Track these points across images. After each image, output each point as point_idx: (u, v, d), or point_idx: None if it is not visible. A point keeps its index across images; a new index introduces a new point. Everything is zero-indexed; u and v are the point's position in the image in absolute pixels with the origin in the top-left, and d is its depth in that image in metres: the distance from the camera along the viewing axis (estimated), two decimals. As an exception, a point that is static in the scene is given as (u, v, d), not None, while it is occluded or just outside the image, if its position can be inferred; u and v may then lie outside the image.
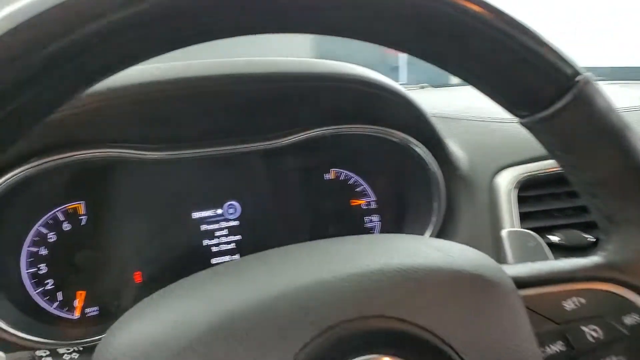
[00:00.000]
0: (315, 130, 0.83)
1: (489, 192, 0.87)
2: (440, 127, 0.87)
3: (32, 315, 0.72)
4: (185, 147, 0.79)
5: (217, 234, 0.86)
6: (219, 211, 0.86)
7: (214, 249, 0.86)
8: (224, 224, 0.86)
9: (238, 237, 0.87)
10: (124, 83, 0.65)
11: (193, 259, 0.84)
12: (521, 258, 0.55)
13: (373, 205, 0.97)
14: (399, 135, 0.84)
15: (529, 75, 0.40)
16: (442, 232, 0.88)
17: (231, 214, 0.87)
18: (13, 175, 0.66)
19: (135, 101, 0.67)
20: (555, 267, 0.44)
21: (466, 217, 0.87)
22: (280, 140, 0.83)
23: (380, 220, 0.97)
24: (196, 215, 0.85)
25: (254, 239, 0.88)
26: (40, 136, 0.66)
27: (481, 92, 0.45)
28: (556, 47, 0.42)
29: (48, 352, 0.54)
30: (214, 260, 0.85)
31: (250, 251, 0.85)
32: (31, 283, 0.75)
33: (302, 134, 0.83)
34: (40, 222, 0.76)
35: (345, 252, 0.42)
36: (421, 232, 0.88)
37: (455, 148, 0.90)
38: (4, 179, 0.65)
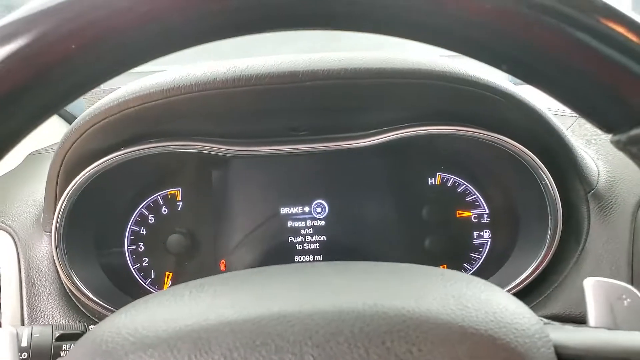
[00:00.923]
0: (407, 130, 0.74)
1: (632, 223, 0.68)
2: (570, 133, 0.70)
3: (124, 290, 0.79)
4: (274, 144, 0.78)
5: (303, 232, 0.83)
6: (307, 209, 0.83)
7: (298, 247, 0.83)
8: (310, 223, 0.83)
9: (322, 238, 0.83)
10: (209, 76, 0.65)
11: (277, 254, 0.83)
12: (607, 320, 0.40)
13: (485, 219, 0.83)
14: (508, 142, 0.70)
15: (620, 71, 0.29)
16: (557, 264, 0.71)
17: (319, 213, 0.83)
18: (114, 157, 0.71)
19: (223, 95, 0.66)
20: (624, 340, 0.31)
21: (595, 251, 0.69)
22: (371, 139, 0.76)
23: (491, 237, 0.83)
24: (284, 210, 0.83)
25: (339, 242, 0.83)
26: (135, 126, 0.71)
27: (553, 96, 0.34)
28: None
29: None
30: (296, 258, 0.83)
31: (333, 253, 0.82)
32: (131, 259, 0.83)
33: (395, 133, 0.75)
34: (143, 204, 0.83)
35: (346, 280, 0.37)
36: (530, 260, 0.72)
37: (590, 159, 0.72)
38: (108, 158, 0.71)
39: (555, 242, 0.70)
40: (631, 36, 0.29)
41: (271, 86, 0.61)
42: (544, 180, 0.69)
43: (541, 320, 0.42)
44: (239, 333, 0.33)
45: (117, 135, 0.69)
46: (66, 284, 0.71)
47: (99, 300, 0.72)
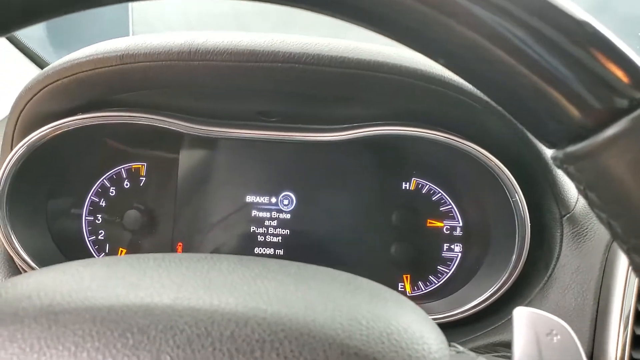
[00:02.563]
0: (377, 128, 0.69)
1: (605, 254, 0.63)
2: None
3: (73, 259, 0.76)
4: (242, 127, 0.74)
5: (267, 223, 0.80)
6: (274, 200, 0.79)
7: (260, 238, 0.80)
8: (275, 214, 0.80)
9: (286, 232, 0.80)
10: (165, 47, 0.61)
11: (237, 243, 0.80)
12: (532, 356, 0.35)
13: (458, 232, 0.79)
14: (480, 152, 0.65)
15: (558, 84, 0.26)
16: (522, 288, 0.67)
17: (285, 205, 0.80)
18: (67, 122, 0.68)
19: (178, 68, 0.63)
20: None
21: (562, 279, 0.64)
22: (341, 133, 0.72)
23: (462, 252, 0.78)
24: (250, 199, 0.80)
25: (303, 238, 0.79)
26: (90, 90, 0.67)
27: (497, 103, 0.30)
28: (612, 42, 0.26)
29: None
30: (257, 250, 0.80)
31: (295, 249, 0.79)
32: (87, 230, 0.80)
33: (365, 130, 0.70)
34: (105, 176, 0.80)
35: (241, 278, 0.34)
36: (494, 280, 0.68)
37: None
38: (61, 122, 0.68)
39: (520, 265, 0.65)
40: (572, 49, 0.25)
41: (228, 63, 0.57)
42: (514, 197, 0.64)
43: (454, 348, 0.38)
44: (99, 321, 0.30)
45: (72, 99, 0.66)
46: (5, 246, 0.68)
47: (39, 267, 0.69)
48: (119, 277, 0.34)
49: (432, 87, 0.59)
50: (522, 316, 0.37)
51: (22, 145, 0.66)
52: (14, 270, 0.71)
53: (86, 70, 0.60)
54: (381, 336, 0.30)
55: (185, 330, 0.29)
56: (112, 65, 0.59)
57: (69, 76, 0.61)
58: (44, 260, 0.70)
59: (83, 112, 0.68)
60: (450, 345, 0.36)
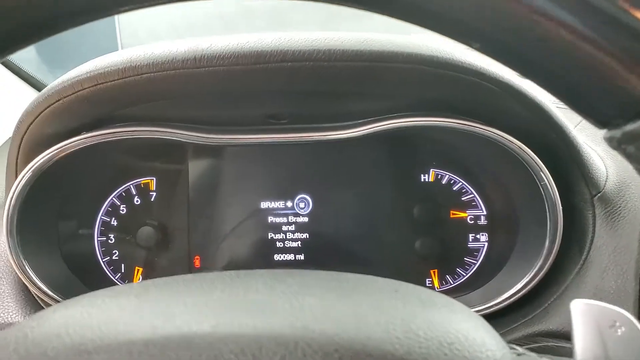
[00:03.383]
0: (395, 120, 0.67)
1: (643, 229, 0.60)
2: (578, 130, 0.63)
3: (90, 285, 0.74)
4: (252, 132, 0.72)
5: (284, 228, 0.77)
6: (289, 204, 0.77)
7: (279, 244, 0.77)
8: (292, 219, 0.77)
9: (305, 235, 0.77)
10: (168, 56, 0.58)
11: (255, 251, 0.77)
12: (596, 351, 0.33)
13: (482, 221, 0.76)
14: (505, 138, 0.63)
15: (623, 57, 0.24)
16: (557, 274, 0.64)
17: (302, 208, 0.77)
18: (72, 142, 0.65)
19: (184, 76, 0.60)
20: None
21: (599, 262, 0.61)
22: (357, 129, 0.70)
23: (488, 241, 0.76)
24: (265, 205, 0.77)
25: (323, 240, 0.77)
26: (93, 108, 0.65)
27: (541, 85, 0.28)
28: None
29: None
30: (276, 256, 0.77)
31: (316, 252, 0.76)
32: (100, 251, 0.78)
33: (382, 123, 0.68)
34: (115, 193, 0.78)
35: (279, 294, 0.31)
36: (528, 268, 0.65)
37: (599, 159, 0.64)
38: (66, 143, 0.65)
39: (555, 250, 0.63)
40: (633, 18, 0.23)
41: (236, 67, 0.54)
42: (543, 180, 0.62)
43: (514, 350, 0.35)
44: (136, 356, 0.27)
45: (75, 118, 0.63)
46: (19, 276, 0.66)
47: (55, 294, 0.67)
48: (151, 306, 0.31)
49: (449, 73, 0.56)
50: (581, 309, 0.35)
51: (28, 171, 0.64)
52: (29, 298, 0.69)
53: (88, 87, 0.57)
54: (442, 347, 0.28)
55: None
56: (114, 80, 0.56)
57: (70, 95, 0.58)
58: (59, 286, 0.67)
59: (87, 131, 0.66)
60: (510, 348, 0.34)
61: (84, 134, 0.65)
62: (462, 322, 0.30)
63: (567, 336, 0.64)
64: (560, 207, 0.62)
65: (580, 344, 0.34)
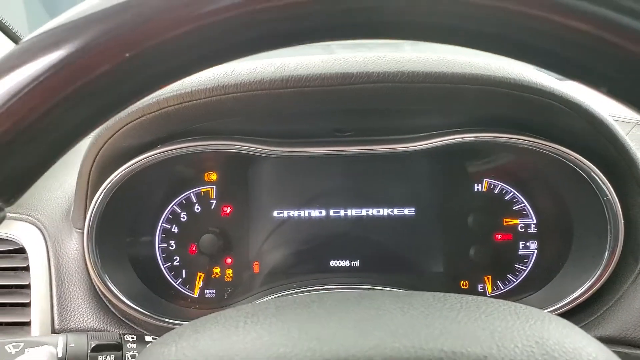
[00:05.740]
0: (460, 135, 0.69)
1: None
2: (633, 143, 0.65)
3: (154, 290, 0.76)
4: (318, 145, 0.74)
5: (342, 236, 0.80)
6: (349, 212, 0.79)
7: (336, 251, 0.80)
8: (350, 226, 0.79)
9: (362, 243, 0.80)
10: (256, 76, 0.60)
11: (313, 258, 0.80)
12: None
13: (532, 229, 0.79)
14: (568, 154, 0.65)
15: None
16: (612, 283, 0.67)
17: (359, 217, 0.79)
18: (149, 156, 0.68)
19: (270, 96, 0.62)
20: None
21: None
22: (420, 143, 0.72)
23: (537, 249, 0.79)
24: (323, 213, 0.79)
25: (379, 248, 0.80)
26: (172, 124, 0.67)
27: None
28: None
29: (135, 338, 0.56)
30: (332, 263, 0.80)
31: (372, 260, 0.79)
32: (162, 257, 0.80)
33: (446, 138, 0.70)
34: (175, 202, 0.80)
35: (413, 318, 0.34)
36: (584, 277, 0.68)
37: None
38: (142, 158, 0.68)
39: (615, 261, 0.66)
40: None
41: (322, 88, 0.56)
42: (607, 195, 0.65)
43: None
44: None
45: (153, 133, 0.65)
46: (98, 287, 0.68)
47: (132, 303, 0.69)
48: (297, 327, 0.33)
49: (524, 94, 0.59)
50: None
51: (106, 187, 0.65)
52: (101, 305, 0.71)
53: (174, 105, 0.59)
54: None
55: None
56: (201, 99, 0.58)
57: (154, 112, 0.60)
58: (132, 295, 0.69)
59: (161, 144, 0.67)
60: None
61: (159, 147, 0.67)
62: (586, 344, 0.33)
63: (622, 342, 0.68)
64: (622, 221, 0.65)
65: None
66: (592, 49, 0.25)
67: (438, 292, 0.39)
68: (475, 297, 0.38)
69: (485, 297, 0.38)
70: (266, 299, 0.74)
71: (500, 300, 0.38)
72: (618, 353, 0.67)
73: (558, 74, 0.29)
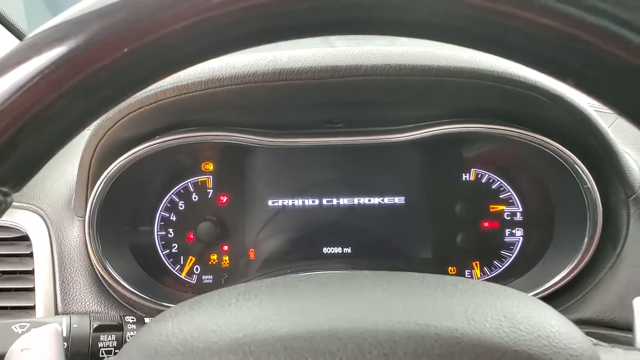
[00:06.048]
0: (446, 126, 0.72)
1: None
2: (615, 134, 0.68)
3: (154, 276, 0.79)
4: (310, 136, 0.76)
5: (334, 223, 0.83)
6: (341, 201, 0.82)
7: (328, 238, 0.83)
8: (341, 215, 0.82)
9: (353, 230, 0.83)
10: (250, 69, 0.63)
11: (307, 245, 0.83)
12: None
13: (518, 217, 0.82)
14: (550, 144, 0.68)
15: None
16: (591, 268, 0.70)
17: (350, 205, 0.82)
18: (147, 147, 0.71)
19: (263, 88, 0.64)
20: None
21: (632, 257, 0.68)
22: (408, 134, 0.75)
23: (523, 236, 0.82)
24: (316, 202, 0.82)
25: (370, 235, 0.83)
26: (169, 116, 0.69)
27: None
28: None
29: (135, 319, 0.59)
30: (325, 249, 0.83)
31: (363, 246, 0.82)
32: (160, 244, 0.83)
33: (433, 129, 0.73)
34: (173, 190, 0.82)
35: (394, 295, 0.37)
36: (565, 262, 0.71)
37: (632, 161, 0.70)
38: (141, 148, 0.70)
39: (593, 247, 0.69)
40: None
41: (313, 81, 0.59)
42: (586, 184, 0.68)
43: (590, 341, 0.41)
44: (290, 349, 0.32)
45: (151, 124, 0.68)
46: (99, 272, 0.71)
47: (131, 287, 0.72)
48: (287, 303, 0.36)
49: (507, 87, 0.61)
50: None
51: (106, 176, 0.68)
52: (103, 290, 0.73)
53: (171, 97, 0.62)
54: (541, 339, 0.33)
55: (372, 351, 0.32)
56: (196, 91, 0.61)
57: (152, 103, 0.63)
58: (132, 280, 0.72)
59: (159, 135, 0.70)
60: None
61: (157, 138, 0.70)
62: (553, 319, 0.36)
63: (600, 324, 0.71)
64: (601, 209, 0.68)
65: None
66: (559, 45, 0.27)
67: (418, 273, 0.42)
68: (453, 277, 0.41)
69: (463, 277, 0.41)
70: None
71: (477, 280, 0.41)
72: (596, 334, 0.71)
73: (530, 67, 0.31)
